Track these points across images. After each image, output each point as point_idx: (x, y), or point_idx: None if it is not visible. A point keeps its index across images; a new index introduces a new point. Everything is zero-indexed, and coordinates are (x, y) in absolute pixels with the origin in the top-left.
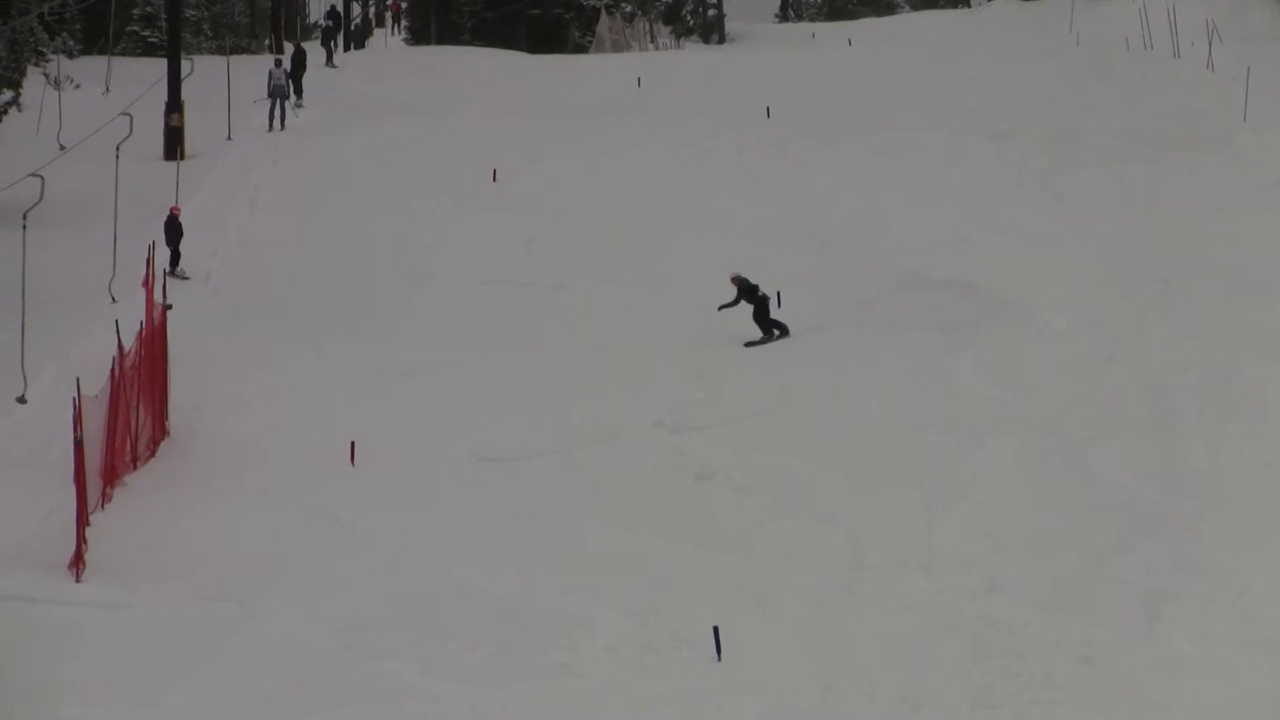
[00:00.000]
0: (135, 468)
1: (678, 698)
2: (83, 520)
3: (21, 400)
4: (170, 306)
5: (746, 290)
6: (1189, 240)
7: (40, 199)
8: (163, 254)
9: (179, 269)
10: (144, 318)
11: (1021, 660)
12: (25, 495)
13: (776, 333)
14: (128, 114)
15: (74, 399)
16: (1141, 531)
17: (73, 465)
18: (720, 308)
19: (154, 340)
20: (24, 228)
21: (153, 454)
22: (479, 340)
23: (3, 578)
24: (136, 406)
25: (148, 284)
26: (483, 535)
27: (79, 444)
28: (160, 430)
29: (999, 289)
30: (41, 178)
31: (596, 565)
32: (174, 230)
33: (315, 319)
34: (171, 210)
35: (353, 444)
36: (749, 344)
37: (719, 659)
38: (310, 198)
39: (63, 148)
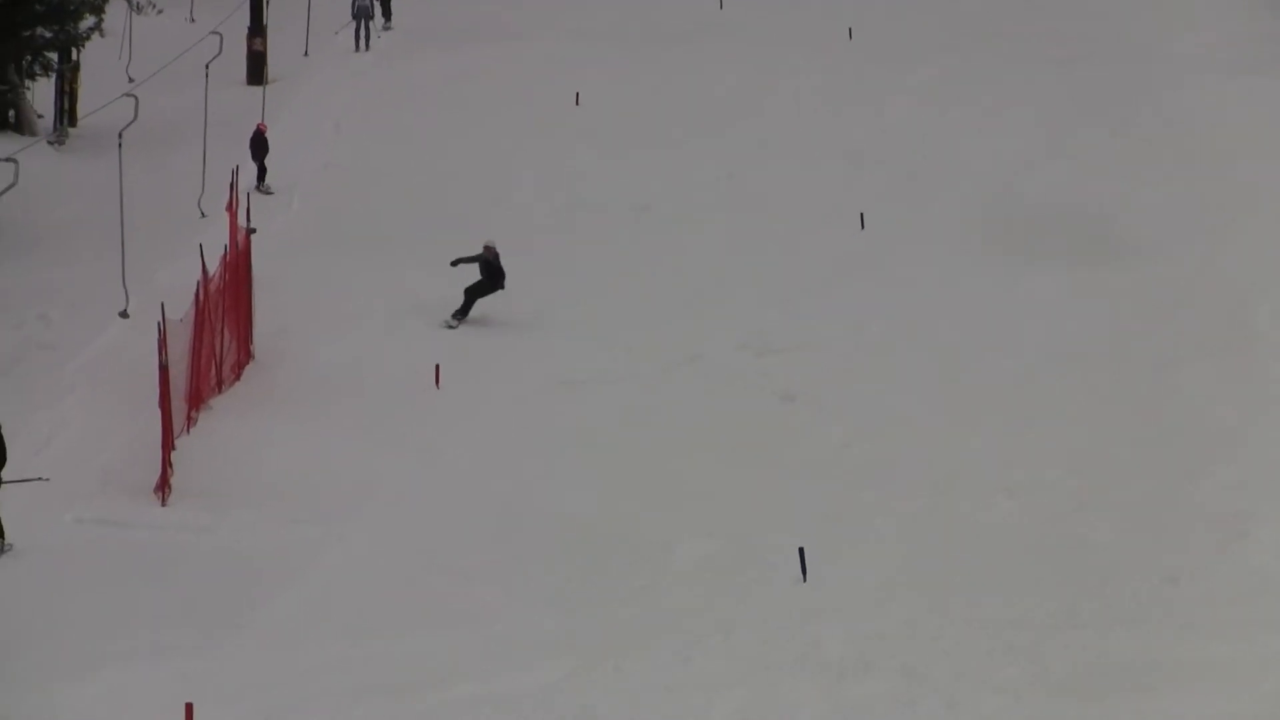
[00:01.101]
0: (220, 391)
1: (761, 621)
2: (168, 444)
3: (124, 315)
4: (254, 231)
5: (489, 265)
6: (1266, 157)
7: (135, 118)
8: (249, 171)
9: (265, 184)
10: (228, 242)
11: (1105, 581)
12: (112, 420)
13: (459, 322)
14: (217, 33)
15: (158, 323)
16: (1224, 453)
17: (158, 390)
18: (454, 262)
19: (238, 264)
20: (119, 146)
21: (237, 378)
22: (561, 264)
23: (89, 502)
24: (221, 330)
25: (232, 208)
26: (564, 460)
27: (163, 368)
28: (245, 354)
29: (1078, 213)
30: (135, 97)
31: (678, 488)
32: (260, 146)
33: (398, 244)
34: (258, 126)
35: (438, 368)
36: (449, 323)
37: (804, 580)
38: (393, 122)
39: (130, 79)
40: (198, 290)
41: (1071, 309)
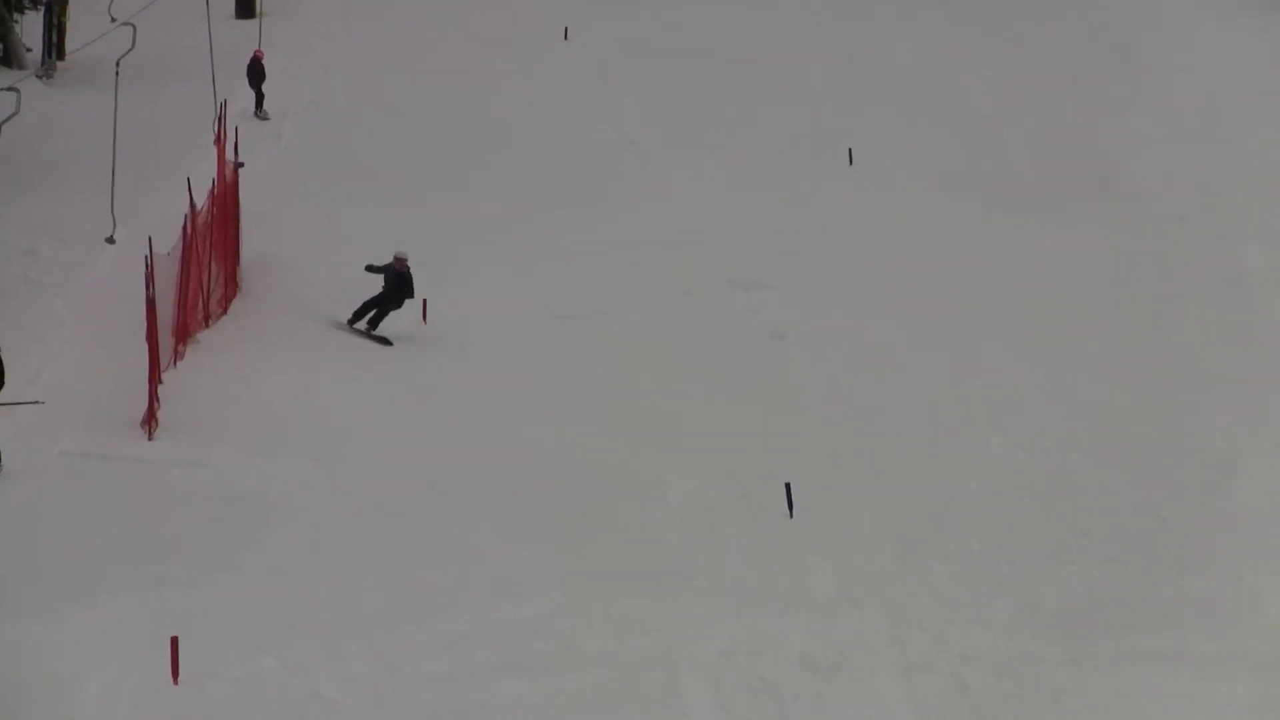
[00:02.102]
0: (207, 326)
1: (750, 558)
2: (155, 378)
3: (111, 240)
4: (242, 165)
5: (396, 277)
6: (1264, 93)
7: (132, 47)
8: (242, 100)
9: (263, 110)
10: (216, 175)
11: (1094, 519)
12: (100, 354)
13: (365, 329)
14: None
15: (145, 257)
16: (1217, 393)
17: (145, 324)
18: (367, 268)
19: (226, 198)
20: (116, 74)
21: (224, 311)
22: (553, 198)
23: (76, 435)
24: (209, 264)
25: (219, 142)
26: (557, 395)
27: (150, 302)
28: (232, 288)
29: (1074, 155)
30: (134, 25)
31: (672, 426)
32: (257, 73)
33: (388, 180)
34: (255, 53)
35: (425, 302)
36: (347, 324)
37: (790, 517)
38: (384, 59)
39: (113, 19)
40: (185, 224)
41: (1065, 250)
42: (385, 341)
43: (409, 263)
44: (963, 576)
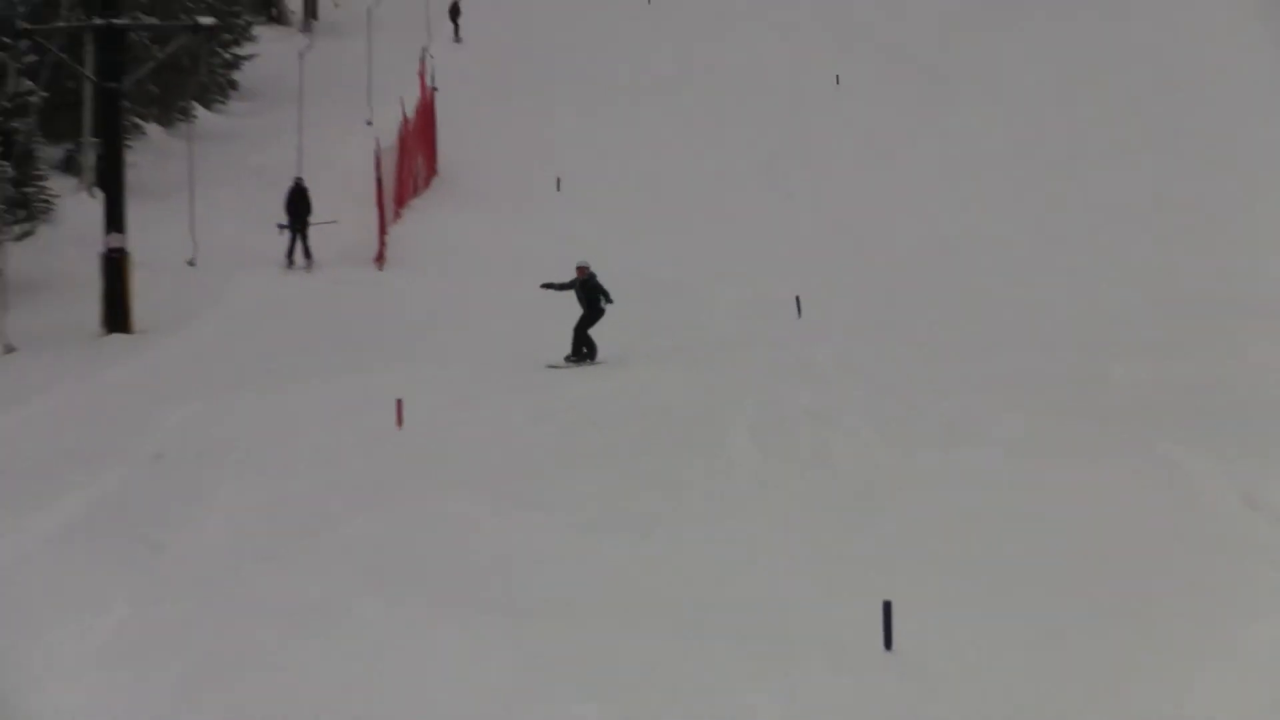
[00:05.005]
0: (416, 196)
1: (768, 344)
2: (383, 230)
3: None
4: (436, 89)
5: (587, 288)
6: None
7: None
8: (446, 29)
9: (459, 38)
10: (419, 94)
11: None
12: (348, 216)
13: (585, 352)
14: None
15: (374, 151)
16: None
17: (374, 193)
18: (543, 285)
19: (425, 111)
20: (368, 20)
21: (427, 187)
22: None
23: (332, 269)
24: (414, 158)
25: (421, 72)
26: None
27: (379, 181)
28: (432, 171)
29: None
30: None
31: (713, 248)
32: (456, 9)
33: (542, 95)
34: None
35: (558, 179)
36: (551, 365)
37: (799, 317)
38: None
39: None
40: (401, 127)
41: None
42: (592, 357)
43: (590, 269)
44: (925, 363)
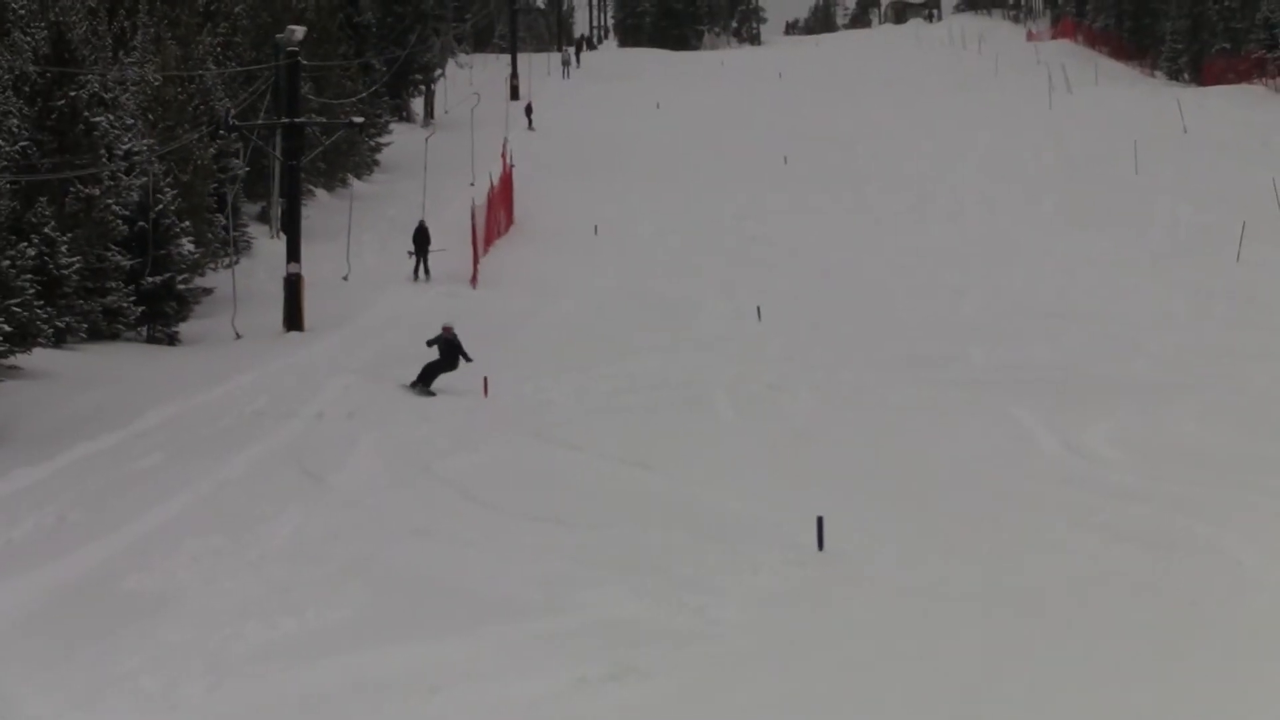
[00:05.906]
0: (498, 238)
1: (740, 337)
2: (477, 259)
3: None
4: (514, 166)
5: (451, 345)
6: None
7: (478, 102)
8: (518, 129)
9: (532, 128)
10: (501, 169)
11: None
12: (454, 250)
13: (423, 383)
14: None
15: (471, 208)
16: None
17: (470, 235)
18: (428, 342)
19: (505, 180)
20: (471, 118)
21: (506, 233)
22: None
23: (443, 285)
24: (498, 211)
25: (503, 154)
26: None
27: (474, 227)
28: (509, 222)
29: None
30: (478, 95)
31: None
32: (529, 108)
33: (587, 171)
34: (527, 105)
35: (595, 226)
36: (410, 385)
37: (760, 320)
38: (600, 106)
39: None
40: (489, 190)
41: None
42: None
43: (454, 330)
44: (845, 347)
